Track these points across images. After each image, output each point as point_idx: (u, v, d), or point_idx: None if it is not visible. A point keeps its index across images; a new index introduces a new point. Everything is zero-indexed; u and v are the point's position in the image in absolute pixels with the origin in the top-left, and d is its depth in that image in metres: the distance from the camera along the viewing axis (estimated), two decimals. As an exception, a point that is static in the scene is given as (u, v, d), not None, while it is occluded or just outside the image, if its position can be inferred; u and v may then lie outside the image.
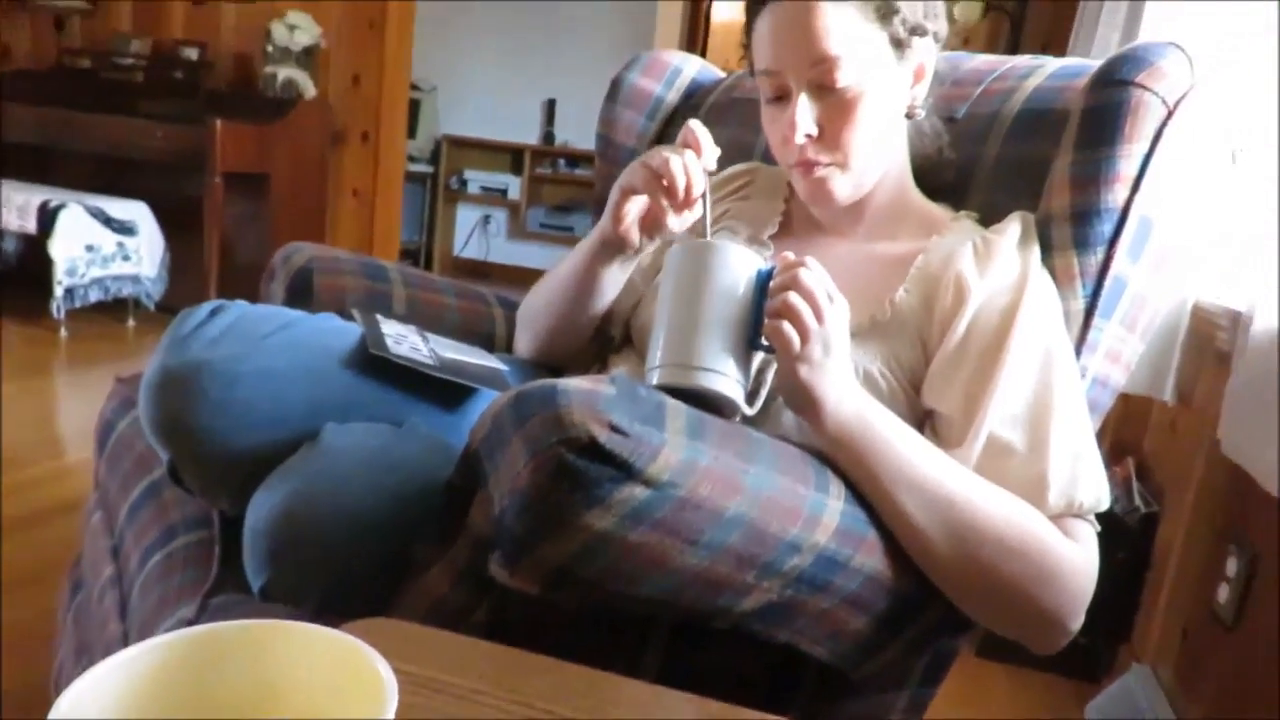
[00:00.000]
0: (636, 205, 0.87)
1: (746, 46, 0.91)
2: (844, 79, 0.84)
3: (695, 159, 0.82)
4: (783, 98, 0.88)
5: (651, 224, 0.87)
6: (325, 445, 0.74)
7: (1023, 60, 1.09)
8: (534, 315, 1.05)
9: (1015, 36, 2.66)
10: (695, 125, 0.83)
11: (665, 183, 0.82)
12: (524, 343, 1.07)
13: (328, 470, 0.72)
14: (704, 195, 0.82)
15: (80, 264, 3.13)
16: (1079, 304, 0.87)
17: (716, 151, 0.83)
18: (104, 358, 3.05)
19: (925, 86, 0.91)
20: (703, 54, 5.32)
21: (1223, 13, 1.41)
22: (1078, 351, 0.86)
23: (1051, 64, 1.06)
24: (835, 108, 0.86)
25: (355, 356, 0.81)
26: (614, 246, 0.91)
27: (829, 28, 0.83)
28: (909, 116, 0.92)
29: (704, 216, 0.82)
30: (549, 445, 0.59)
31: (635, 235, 0.89)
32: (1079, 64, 1.03)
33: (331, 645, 0.41)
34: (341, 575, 0.69)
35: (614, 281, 0.96)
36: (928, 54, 0.89)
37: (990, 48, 3.04)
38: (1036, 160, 0.95)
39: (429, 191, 5.54)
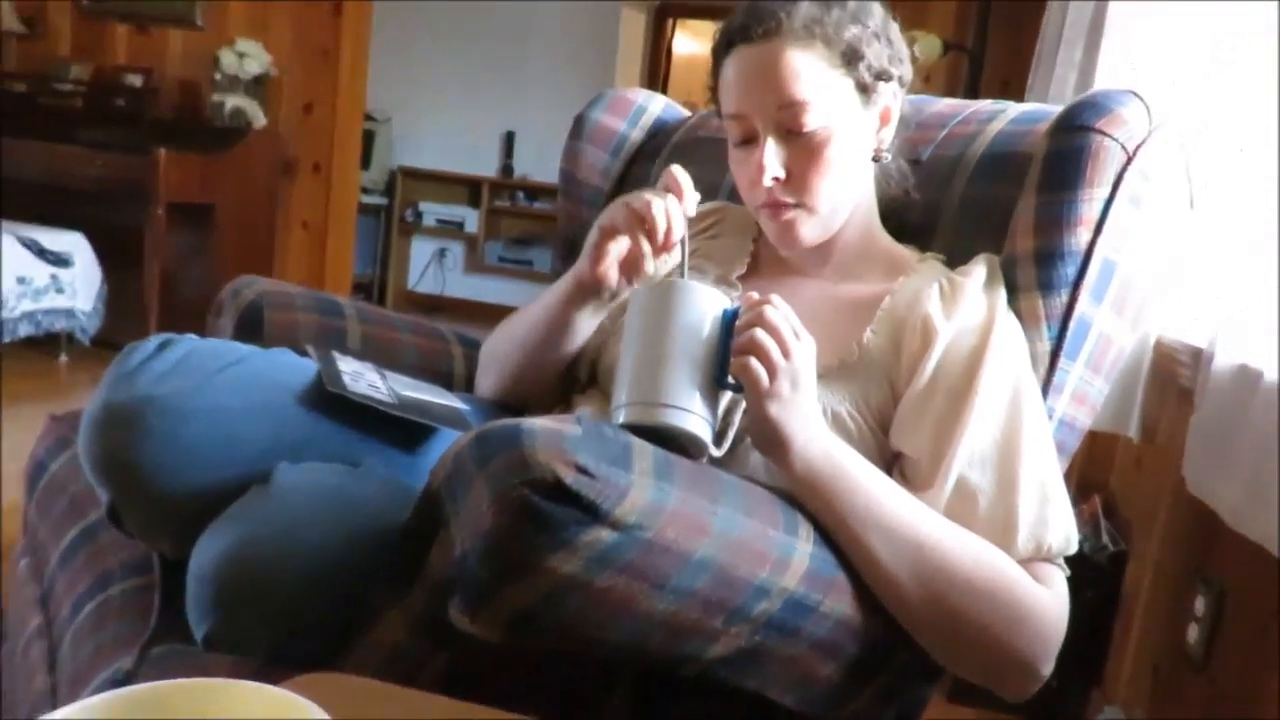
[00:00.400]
0: (618, 246, 0.88)
1: (713, 89, 0.93)
2: (811, 123, 0.87)
3: (677, 203, 0.84)
4: (750, 141, 0.90)
5: (630, 266, 0.88)
6: (278, 486, 0.73)
7: (985, 105, 1.13)
8: (500, 356, 1.06)
9: (975, 75, 2.74)
10: (677, 170, 0.85)
11: (646, 225, 0.83)
12: (487, 383, 1.07)
13: (280, 512, 0.71)
14: (683, 241, 0.84)
15: (10, 297, 3.06)
16: (1045, 345, 0.90)
17: (697, 197, 0.86)
18: (34, 395, 2.98)
19: (891, 130, 0.94)
20: (664, 87, 5.41)
21: (1184, 52, 1.47)
22: (1044, 393, 0.88)
23: (1014, 109, 1.10)
24: (802, 151, 0.88)
25: (311, 394, 0.81)
26: (590, 289, 0.91)
27: (796, 73, 0.85)
28: (875, 160, 0.95)
29: (681, 262, 0.84)
30: (513, 486, 0.59)
31: (614, 277, 0.89)
32: (1040, 109, 1.08)
33: (276, 703, 0.40)
34: (292, 623, 0.68)
35: (586, 326, 0.97)
36: (893, 98, 0.92)
37: (950, 85, 3.13)
38: (1001, 203, 0.98)
39: (383, 224, 5.52)
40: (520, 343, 1.01)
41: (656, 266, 0.87)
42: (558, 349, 0.98)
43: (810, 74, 0.86)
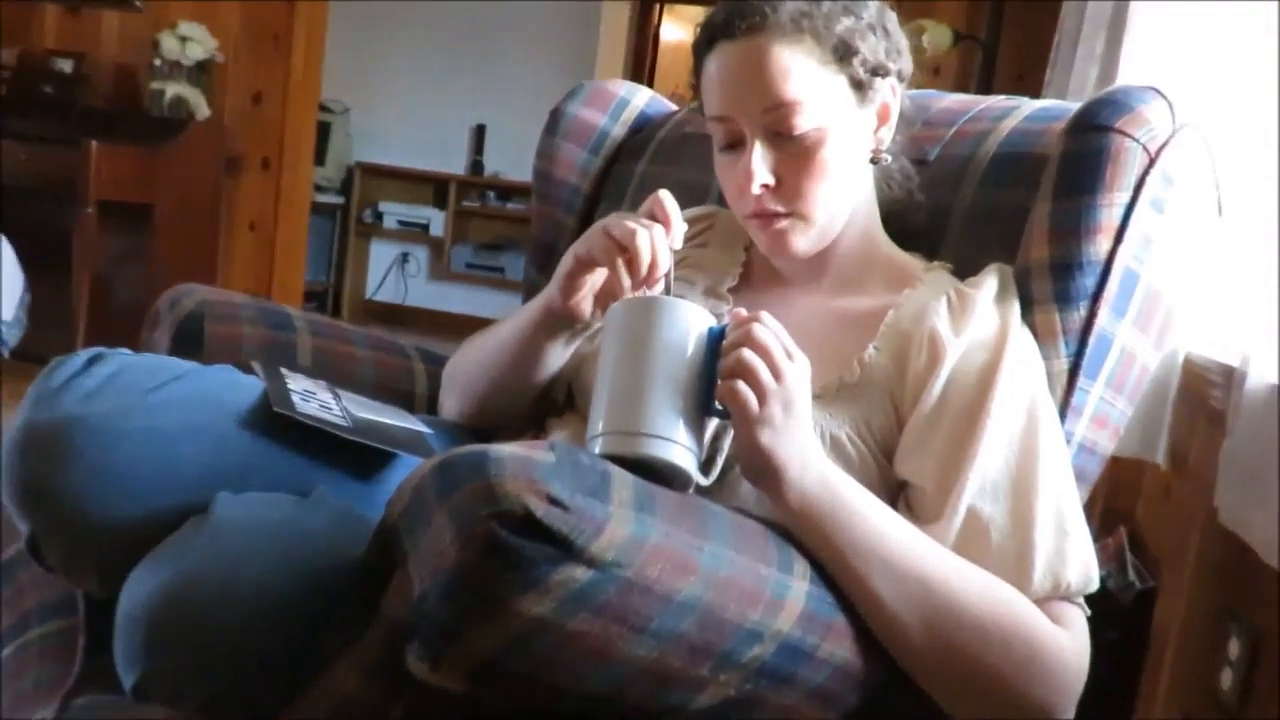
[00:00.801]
0: (593, 279, 0.88)
1: (696, 88, 0.94)
2: (802, 125, 0.87)
3: (663, 234, 0.83)
4: (736, 145, 0.91)
5: (606, 299, 0.88)
6: (218, 518, 0.73)
7: (998, 101, 1.15)
8: (465, 379, 1.06)
9: (988, 68, 2.78)
10: (665, 197, 0.85)
11: (628, 255, 0.82)
12: (452, 405, 1.08)
13: (221, 547, 0.71)
14: (668, 275, 0.84)
15: (-77, 305, 3.04)
16: (1062, 363, 0.90)
17: (684, 228, 0.85)
18: (-52, 414, 2.95)
19: (891, 129, 0.95)
20: (650, 78, 5.43)
21: (1208, 43, 1.49)
22: (1062, 415, 0.89)
23: (1028, 105, 1.11)
24: (793, 156, 0.89)
25: (256, 415, 0.81)
26: (562, 320, 0.92)
27: (784, 71, 0.86)
28: (874, 161, 0.96)
29: (665, 294, 0.84)
30: (479, 519, 0.59)
31: (587, 309, 0.90)
32: (1057, 106, 1.09)
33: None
34: (232, 671, 0.68)
35: (559, 355, 0.97)
36: (892, 95, 0.93)
37: (962, 79, 3.16)
38: (1013, 208, 0.99)
39: (339, 226, 5.51)
40: (487, 366, 1.01)
41: None
42: (528, 377, 0.99)
43: (800, 72, 0.86)
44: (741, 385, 0.72)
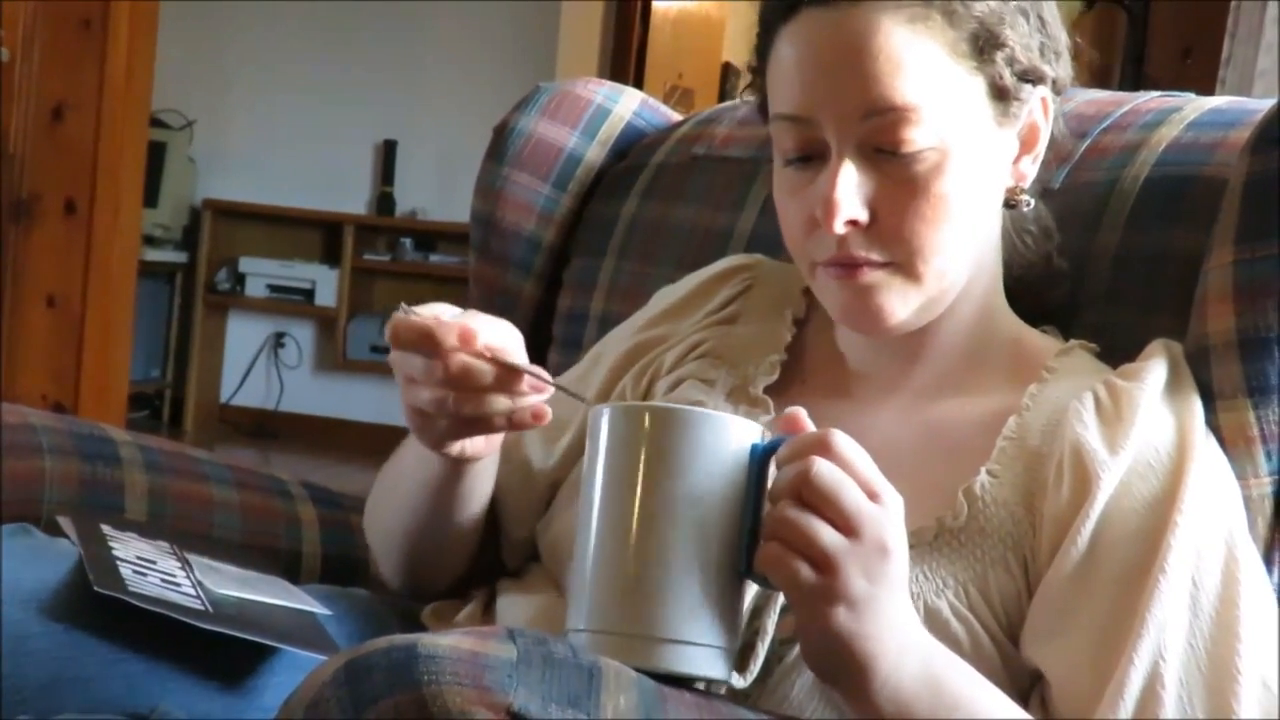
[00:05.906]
0: (481, 441, 0.90)
1: (758, 72, 0.97)
2: (917, 140, 0.89)
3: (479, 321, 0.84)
4: (814, 158, 0.92)
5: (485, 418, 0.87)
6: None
7: (1150, 99, 1.18)
8: (383, 541, 1.09)
9: (1136, 44, 2.84)
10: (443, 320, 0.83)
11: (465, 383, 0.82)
12: (382, 571, 1.11)
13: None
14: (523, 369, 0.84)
15: None
16: (1263, 484, 0.91)
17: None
18: None
19: (1037, 160, 0.98)
20: (638, 69, 5.52)
21: None
22: (1267, 562, 0.89)
23: (1194, 106, 1.14)
24: (899, 183, 0.90)
25: (68, 600, 0.81)
26: (463, 465, 0.94)
27: (897, 61, 0.88)
28: (1010, 205, 0.98)
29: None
30: (408, 751, 0.60)
31: (488, 446, 0.92)
32: (1237, 106, 1.12)
33: None
34: None
35: (484, 486, 1.01)
36: (1043, 112, 0.96)
37: (1100, 57, 3.23)
38: (1180, 257, 1.01)
39: (180, 295, 5.53)
40: (401, 525, 1.04)
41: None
42: (459, 527, 1.02)
43: (921, 64, 0.88)
44: (786, 556, 0.72)
